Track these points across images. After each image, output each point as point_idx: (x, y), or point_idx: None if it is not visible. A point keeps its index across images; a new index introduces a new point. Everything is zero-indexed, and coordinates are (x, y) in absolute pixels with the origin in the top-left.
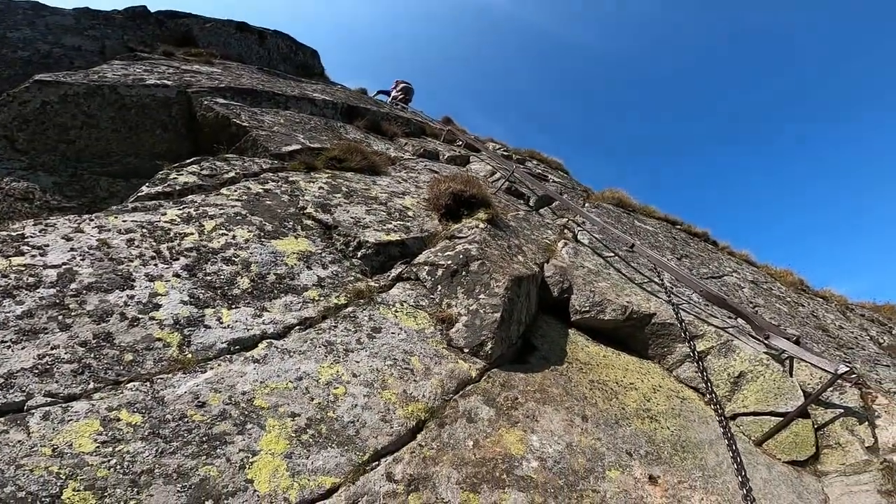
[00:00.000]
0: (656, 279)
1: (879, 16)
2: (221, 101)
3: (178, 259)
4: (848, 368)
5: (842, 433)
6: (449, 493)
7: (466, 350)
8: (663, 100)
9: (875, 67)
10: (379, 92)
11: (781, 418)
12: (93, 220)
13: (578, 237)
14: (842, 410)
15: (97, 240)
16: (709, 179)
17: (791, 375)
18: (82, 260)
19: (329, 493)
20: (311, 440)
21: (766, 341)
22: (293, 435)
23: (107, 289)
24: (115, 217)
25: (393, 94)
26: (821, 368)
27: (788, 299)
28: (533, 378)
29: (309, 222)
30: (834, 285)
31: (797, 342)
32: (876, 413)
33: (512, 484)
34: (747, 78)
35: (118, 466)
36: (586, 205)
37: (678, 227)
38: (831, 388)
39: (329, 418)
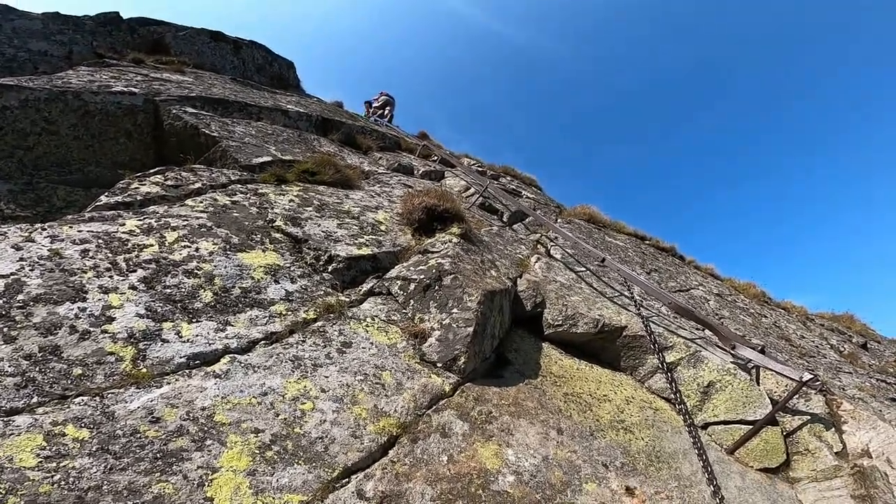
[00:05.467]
0: (626, 293)
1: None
2: (191, 110)
3: (135, 271)
4: (812, 376)
5: (810, 439)
6: None
7: (439, 364)
8: (632, 119)
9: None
10: (366, 102)
11: (751, 426)
12: (45, 229)
13: (551, 252)
14: (808, 417)
15: (49, 250)
16: (677, 197)
17: (758, 384)
18: (31, 270)
19: None
20: (276, 457)
21: (732, 351)
22: (257, 451)
23: (56, 300)
24: (70, 227)
25: (375, 105)
26: (786, 377)
27: (752, 311)
28: (507, 392)
29: (278, 235)
30: (793, 297)
31: (762, 352)
32: (842, 419)
33: (488, 499)
34: (711, 99)
35: (63, 482)
36: (559, 220)
37: (647, 242)
38: (797, 396)
39: (296, 434)
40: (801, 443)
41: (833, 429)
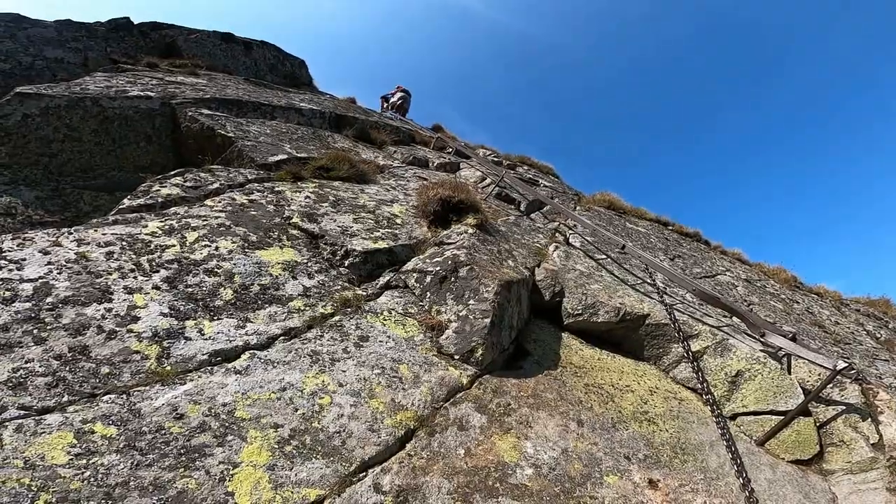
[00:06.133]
0: (649, 280)
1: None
2: (206, 112)
3: (158, 271)
4: (847, 364)
5: (845, 431)
6: (440, 503)
7: (457, 357)
8: (651, 104)
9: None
10: (382, 97)
11: (782, 417)
12: (71, 233)
13: (570, 240)
14: (843, 407)
15: (75, 253)
16: (701, 182)
17: (789, 373)
18: (59, 273)
19: None
20: (294, 451)
21: (762, 339)
22: (276, 446)
23: (84, 302)
24: (95, 230)
25: (392, 100)
26: (819, 365)
27: (783, 296)
28: (526, 383)
29: (295, 232)
30: (826, 281)
31: (794, 339)
32: (879, 409)
33: (506, 492)
34: (735, 80)
35: (92, 479)
36: (577, 208)
37: (670, 227)
38: (831, 385)
39: (314, 429)
40: (835, 434)
41: (869, 419)
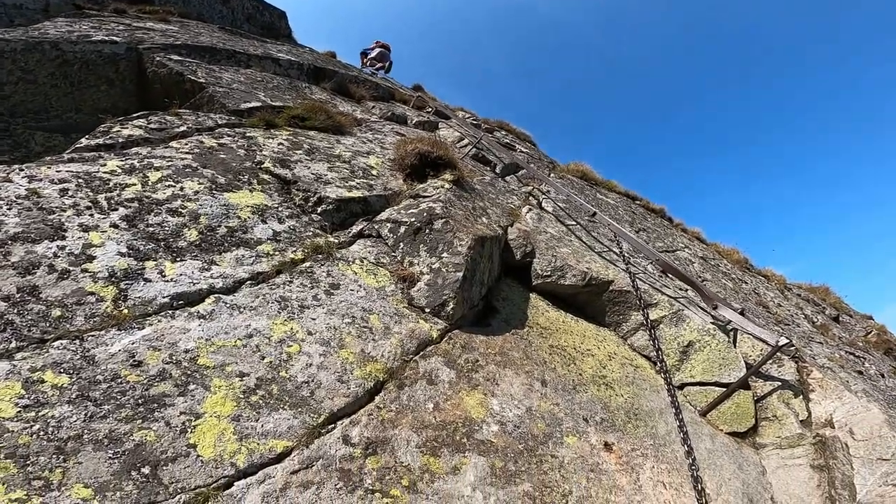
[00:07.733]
0: (615, 248)
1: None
2: (176, 57)
3: (116, 209)
4: (788, 341)
5: (778, 406)
6: (408, 456)
7: (428, 310)
8: (626, 80)
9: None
10: (362, 52)
11: (725, 389)
12: (23, 169)
13: (543, 204)
14: (779, 383)
15: (27, 189)
16: (668, 157)
17: (735, 346)
18: (9, 209)
19: (281, 458)
20: (261, 401)
21: (713, 311)
22: (241, 396)
23: (34, 239)
24: (48, 167)
25: (371, 55)
26: (762, 340)
27: (733, 276)
28: (494, 341)
29: (266, 177)
30: (774, 265)
31: (742, 314)
32: (810, 387)
33: (472, 448)
34: (705, 66)
35: (42, 432)
36: (552, 175)
37: (637, 202)
38: (771, 361)
39: (281, 378)
40: (769, 409)
41: (801, 396)
